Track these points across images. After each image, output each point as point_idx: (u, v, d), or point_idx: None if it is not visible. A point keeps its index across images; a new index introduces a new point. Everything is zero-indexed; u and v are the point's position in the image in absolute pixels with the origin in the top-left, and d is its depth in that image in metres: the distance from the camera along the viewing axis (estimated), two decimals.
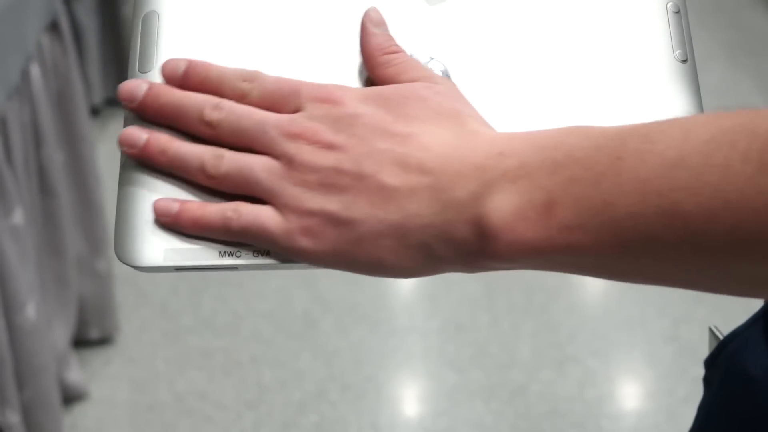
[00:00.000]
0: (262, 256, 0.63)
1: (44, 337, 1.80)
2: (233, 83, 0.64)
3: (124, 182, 0.65)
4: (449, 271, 0.61)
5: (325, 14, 0.70)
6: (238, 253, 0.63)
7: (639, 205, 0.54)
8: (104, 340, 2.20)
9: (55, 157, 1.91)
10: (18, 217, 1.72)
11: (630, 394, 2.18)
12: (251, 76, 0.64)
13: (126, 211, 0.64)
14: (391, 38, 0.67)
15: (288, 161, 0.61)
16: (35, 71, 1.84)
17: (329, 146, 0.61)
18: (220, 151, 0.63)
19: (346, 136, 0.61)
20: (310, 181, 0.60)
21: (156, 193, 0.64)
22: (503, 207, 0.57)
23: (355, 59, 0.68)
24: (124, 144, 0.64)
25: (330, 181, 0.60)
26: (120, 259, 0.64)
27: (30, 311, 1.74)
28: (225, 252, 0.63)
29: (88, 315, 2.11)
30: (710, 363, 0.85)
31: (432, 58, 0.68)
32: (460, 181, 0.58)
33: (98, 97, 2.66)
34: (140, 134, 0.64)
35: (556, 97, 0.67)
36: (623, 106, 0.66)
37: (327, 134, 0.61)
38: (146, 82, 0.65)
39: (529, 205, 0.57)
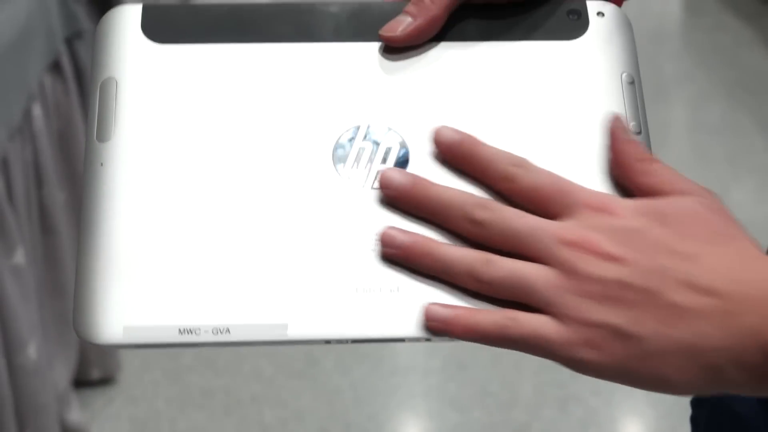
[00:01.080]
0: (221, 333, 0.62)
1: (45, 377, 1.80)
2: (502, 165, 0.64)
3: (82, 255, 0.65)
4: (735, 392, 0.60)
5: (285, 83, 0.70)
6: (197, 331, 0.62)
7: None
8: (105, 380, 2.19)
9: (57, 196, 1.91)
10: (19, 257, 1.71)
11: None
12: (521, 163, 0.64)
13: (84, 287, 0.64)
14: (643, 145, 0.66)
15: (567, 270, 0.60)
16: (37, 111, 1.85)
17: (611, 258, 0.60)
18: (488, 255, 0.62)
19: (628, 250, 0.60)
20: (593, 292, 0.59)
21: (113, 267, 0.64)
22: None
23: (317, 124, 0.68)
24: (384, 244, 0.64)
25: (614, 294, 0.59)
26: (78, 335, 0.63)
27: (31, 351, 1.73)
28: (184, 329, 0.62)
29: (90, 355, 2.11)
30: (696, 402, 0.86)
31: (390, 129, 0.68)
32: (753, 306, 0.58)
33: None
34: (402, 236, 0.64)
35: None
36: (577, 179, 0.65)
37: (608, 245, 0.60)
38: (409, 174, 0.65)
39: None
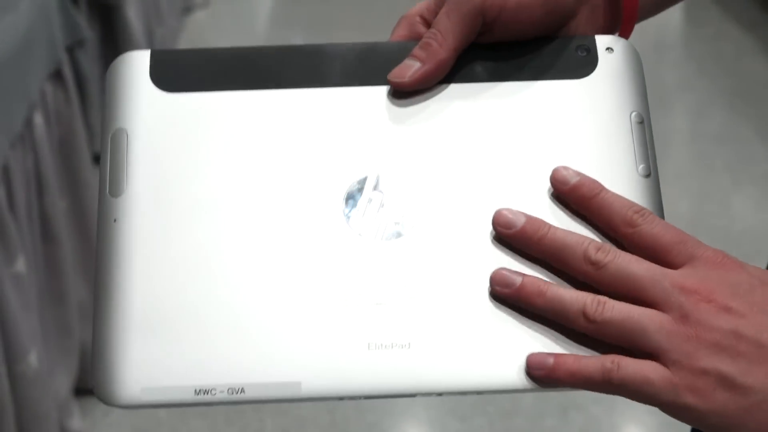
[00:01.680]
0: (236, 393, 0.63)
1: (46, 385, 1.79)
2: (625, 210, 0.64)
3: (99, 316, 0.66)
4: None
5: (295, 131, 0.69)
6: (213, 391, 0.63)
7: None
8: None
9: (58, 205, 1.91)
10: (20, 265, 1.71)
11: None
12: (643, 211, 0.64)
13: (101, 348, 0.65)
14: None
15: (682, 316, 0.61)
16: (38, 119, 1.85)
17: (727, 309, 0.60)
18: (601, 297, 0.62)
19: (743, 303, 0.60)
20: (706, 339, 0.60)
21: (130, 327, 0.65)
22: None
23: (327, 174, 0.68)
24: (497, 284, 0.64)
25: (727, 344, 0.60)
26: (99, 398, 0.65)
27: (32, 359, 1.73)
28: (200, 390, 0.63)
29: (91, 363, 2.09)
30: None
31: (400, 178, 0.68)
32: None
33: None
34: (515, 276, 0.64)
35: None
36: (586, 221, 0.66)
37: (724, 296, 0.61)
38: (526, 214, 0.66)
39: None
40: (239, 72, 0.71)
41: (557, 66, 0.72)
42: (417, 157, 0.68)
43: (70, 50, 2.10)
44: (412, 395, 0.64)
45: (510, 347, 0.64)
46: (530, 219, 0.65)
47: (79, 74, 2.23)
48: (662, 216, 0.66)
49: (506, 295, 0.64)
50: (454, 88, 0.71)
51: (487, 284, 0.65)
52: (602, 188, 0.65)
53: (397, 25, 0.75)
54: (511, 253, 0.65)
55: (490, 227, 0.66)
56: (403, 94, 0.70)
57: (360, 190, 0.67)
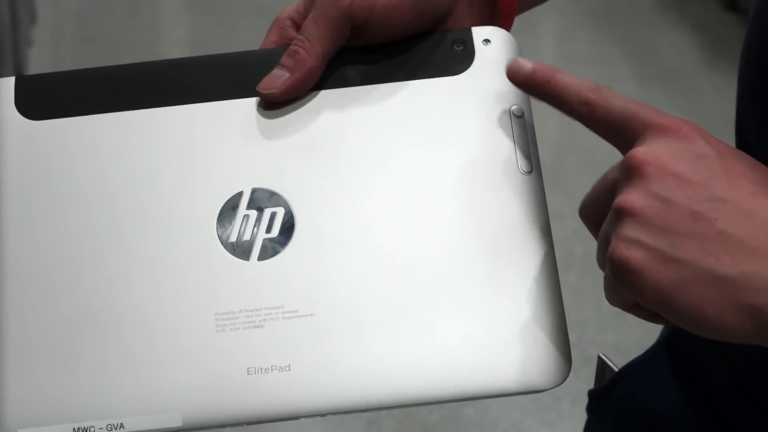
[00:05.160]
0: (116, 429, 0.62)
1: None
2: (579, 90, 0.62)
3: None
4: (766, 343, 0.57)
5: (164, 151, 0.67)
6: (91, 429, 0.61)
7: None
8: None
9: None
10: None
11: None
12: (596, 87, 0.62)
13: None
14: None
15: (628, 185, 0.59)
16: None
17: (672, 175, 0.58)
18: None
19: (692, 172, 0.58)
20: (641, 208, 0.58)
21: (1, 366, 0.63)
22: None
23: (199, 193, 0.66)
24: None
25: (667, 215, 0.57)
26: None
27: None
28: (79, 429, 0.62)
29: None
30: (601, 394, 0.86)
31: (273, 193, 0.66)
32: None
33: None
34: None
35: (401, 217, 0.65)
36: (468, 221, 0.65)
37: (672, 165, 0.58)
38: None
39: None
40: (106, 93, 0.69)
41: (433, 63, 0.70)
42: (292, 170, 0.66)
43: None
44: (296, 418, 0.63)
45: (391, 362, 0.63)
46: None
47: None
48: (546, 215, 0.66)
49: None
50: (325, 95, 0.69)
51: (368, 300, 0.64)
52: (556, 70, 0.63)
53: (269, 30, 0.72)
54: (391, 270, 0.64)
55: (375, 240, 0.65)
56: (273, 105, 0.68)
57: (234, 207, 0.65)
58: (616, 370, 0.86)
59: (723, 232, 0.56)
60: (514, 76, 0.65)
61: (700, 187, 0.57)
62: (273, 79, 0.68)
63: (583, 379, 1.23)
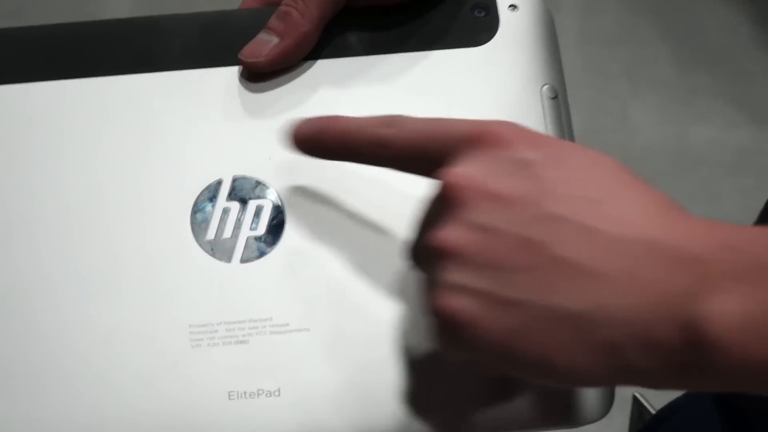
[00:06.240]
0: None
1: None
2: (371, 128, 0.59)
3: None
4: (640, 384, 0.51)
5: (126, 128, 0.62)
6: None
7: None
8: None
9: None
10: None
11: None
12: (389, 119, 0.59)
13: None
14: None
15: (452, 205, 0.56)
16: None
17: (495, 198, 0.53)
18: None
19: (515, 186, 0.53)
20: (471, 243, 0.54)
21: None
22: (730, 313, 0.48)
23: (170, 182, 0.62)
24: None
25: (491, 248, 0.52)
26: None
27: None
28: None
29: None
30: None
31: (259, 182, 0.63)
32: (669, 270, 0.49)
33: None
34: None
35: (412, 211, 0.58)
36: None
37: (494, 183, 0.54)
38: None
39: (765, 320, 0.47)
40: (59, 56, 0.64)
41: (450, 31, 0.66)
42: (281, 155, 0.62)
43: None
44: None
45: (399, 388, 0.59)
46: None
47: None
48: None
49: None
50: (322, 65, 0.66)
51: (367, 314, 0.60)
52: (338, 119, 0.60)
53: None
54: (400, 275, 0.61)
55: (380, 240, 0.62)
56: (258, 75, 0.65)
57: (212, 198, 0.62)
58: (653, 412, 0.82)
59: (560, 258, 0.51)
60: (293, 139, 0.62)
61: (526, 204, 0.53)
62: (259, 45, 0.65)
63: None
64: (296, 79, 0.65)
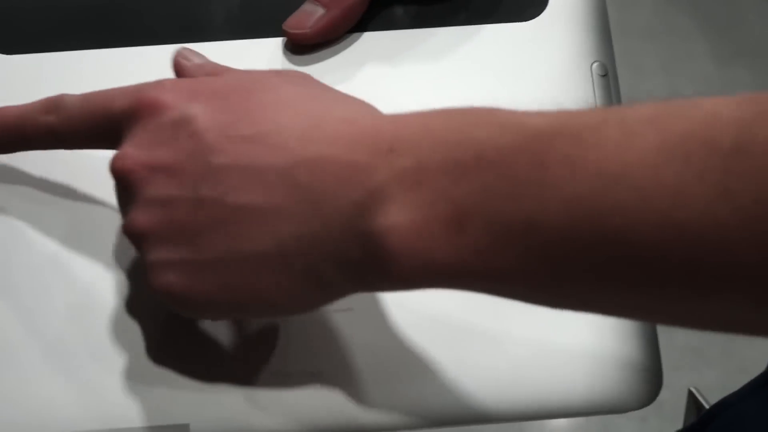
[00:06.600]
0: None
1: None
2: (35, 119, 0.60)
3: None
4: (351, 293, 0.53)
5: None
6: None
7: (570, 229, 0.47)
8: None
9: None
10: None
11: None
12: (53, 104, 0.59)
13: None
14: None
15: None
16: None
17: (154, 169, 0.54)
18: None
19: (173, 151, 0.54)
20: (150, 222, 0.55)
21: None
22: (399, 222, 0.49)
23: None
24: None
25: (170, 218, 0.54)
26: None
27: None
28: None
29: None
30: None
31: None
32: (339, 187, 0.51)
33: None
34: None
35: None
36: None
37: (148, 154, 0.55)
38: None
39: (434, 221, 0.49)
40: (93, 24, 0.64)
41: (498, 5, 0.65)
42: None
43: None
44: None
45: (450, 373, 0.58)
46: None
47: None
48: None
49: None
50: (369, 38, 0.65)
51: (424, 296, 0.55)
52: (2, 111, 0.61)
53: None
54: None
55: None
56: (303, 47, 0.65)
57: None
58: (707, 407, 0.84)
59: (236, 206, 0.52)
60: None
61: (192, 165, 0.53)
62: (304, 16, 0.65)
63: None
64: (341, 52, 0.64)
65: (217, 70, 0.60)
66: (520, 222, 0.48)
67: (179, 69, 0.62)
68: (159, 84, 0.56)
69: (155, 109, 0.54)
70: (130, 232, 0.55)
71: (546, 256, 0.48)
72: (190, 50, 0.62)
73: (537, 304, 0.53)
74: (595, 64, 0.63)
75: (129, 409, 0.58)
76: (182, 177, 0.53)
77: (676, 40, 2.70)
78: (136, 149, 0.54)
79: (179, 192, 0.53)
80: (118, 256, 0.61)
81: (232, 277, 0.52)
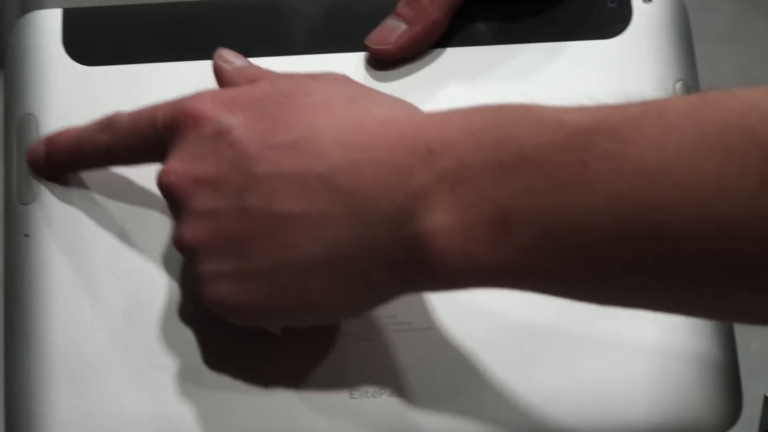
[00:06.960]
0: None
1: None
2: (91, 138, 0.61)
3: (12, 363, 0.59)
4: (399, 295, 0.55)
5: None
6: None
7: (613, 226, 0.48)
8: None
9: None
10: None
11: None
12: (107, 123, 0.60)
13: (17, 405, 0.58)
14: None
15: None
16: None
17: (199, 182, 0.55)
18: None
19: (214, 163, 0.54)
20: (200, 236, 0.56)
21: (48, 380, 0.58)
22: (444, 224, 0.50)
23: None
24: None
25: (217, 231, 0.54)
26: None
27: None
28: None
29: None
30: None
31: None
32: (380, 190, 0.51)
33: None
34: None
35: None
36: None
37: (192, 166, 0.55)
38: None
39: (478, 221, 0.50)
40: (177, 36, 0.64)
41: (581, 22, 0.65)
42: None
43: None
44: None
45: (526, 391, 0.58)
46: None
47: None
48: None
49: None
50: (451, 54, 0.64)
51: (500, 314, 0.60)
52: (60, 134, 0.63)
53: None
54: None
55: None
56: (385, 63, 0.65)
57: None
58: None
59: (281, 213, 0.53)
60: (32, 166, 0.63)
61: (231, 176, 0.54)
62: (387, 32, 0.65)
63: None
64: (424, 68, 0.64)
65: (256, 75, 0.60)
66: (564, 220, 0.48)
67: (219, 72, 0.62)
68: (198, 96, 0.56)
69: (195, 121, 0.55)
70: (179, 245, 0.56)
71: (589, 253, 0.49)
72: (230, 51, 0.62)
73: (578, 300, 0.53)
74: (678, 84, 0.63)
75: (185, 415, 0.58)
76: (226, 188, 0.54)
77: (755, 45, 2.66)
78: (180, 163, 0.55)
79: (224, 203, 0.54)
80: (174, 263, 0.62)
81: (282, 285, 0.53)
